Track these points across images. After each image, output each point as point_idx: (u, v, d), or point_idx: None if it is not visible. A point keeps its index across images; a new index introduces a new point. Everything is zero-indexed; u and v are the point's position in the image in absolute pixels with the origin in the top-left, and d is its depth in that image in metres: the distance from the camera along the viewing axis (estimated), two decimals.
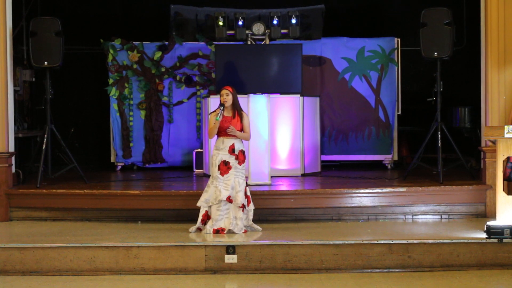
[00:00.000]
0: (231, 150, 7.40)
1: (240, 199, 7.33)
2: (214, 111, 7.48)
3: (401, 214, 8.14)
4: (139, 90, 11.00)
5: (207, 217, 7.42)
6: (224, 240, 6.97)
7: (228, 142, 7.42)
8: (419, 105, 10.89)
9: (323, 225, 7.84)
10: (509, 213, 7.03)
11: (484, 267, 6.82)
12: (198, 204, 7.43)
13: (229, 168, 7.37)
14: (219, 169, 7.37)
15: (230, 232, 7.29)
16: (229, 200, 7.32)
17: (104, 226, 7.88)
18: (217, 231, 7.28)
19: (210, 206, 7.40)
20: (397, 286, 6.36)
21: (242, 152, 7.48)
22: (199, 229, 7.41)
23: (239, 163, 7.42)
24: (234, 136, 7.41)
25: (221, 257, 6.79)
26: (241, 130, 7.45)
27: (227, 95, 7.43)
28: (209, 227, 7.32)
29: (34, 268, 6.83)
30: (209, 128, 7.46)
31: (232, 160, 7.39)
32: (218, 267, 6.80)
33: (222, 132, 7.41)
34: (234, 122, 7.40)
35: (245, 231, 7.37)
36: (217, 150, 7.43)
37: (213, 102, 9.58)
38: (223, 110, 7.39)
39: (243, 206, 7.36)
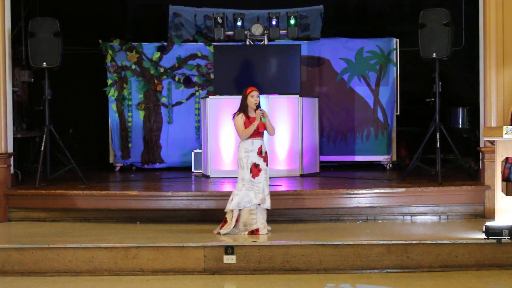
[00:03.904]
0: (260, 152, 7.27)
1: (268, 201, 7.27)
2: (238, 112, 7.28)
3: (399, 214, 8.14)
4: (138, 91, 11.00)
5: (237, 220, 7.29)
6: (223, 240, 6.97)
7: (257, 143, 7.28)
8: (418, 106, 10.88)
9: (322, 226, 7.84)
10: (507, 214, 7.03)
11: (483, 267, 6.81)
12: (230, 207, 7.23)
13: (260, 170, 7.23)
14: (251, 171, 7.23)
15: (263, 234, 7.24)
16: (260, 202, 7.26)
17: (103, 227, 7.88)
18: (252, 232, 7.22)
19: (240, 209, 7.27)
20: (395, 287, 6.36)
21: (267, 153, 7.38)
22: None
23: (266, 165, 7.32)
24: (261, 137, 7.30)
25: (220, 258, 6.78)
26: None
27: (257, 96, 7.27)
28: (244, 231, 7.24)
29: (32, 268, 6.82)
30: (243, 130, 7.20)
31: (261, 162, 7.25)
32: (217, 267, 6.79)
33: (252, 133, 7.27)
34: (260, 124, 7.26)
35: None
36: (246, 152, 7.24)
37: (212, 103, 9.58)
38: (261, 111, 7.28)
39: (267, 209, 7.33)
